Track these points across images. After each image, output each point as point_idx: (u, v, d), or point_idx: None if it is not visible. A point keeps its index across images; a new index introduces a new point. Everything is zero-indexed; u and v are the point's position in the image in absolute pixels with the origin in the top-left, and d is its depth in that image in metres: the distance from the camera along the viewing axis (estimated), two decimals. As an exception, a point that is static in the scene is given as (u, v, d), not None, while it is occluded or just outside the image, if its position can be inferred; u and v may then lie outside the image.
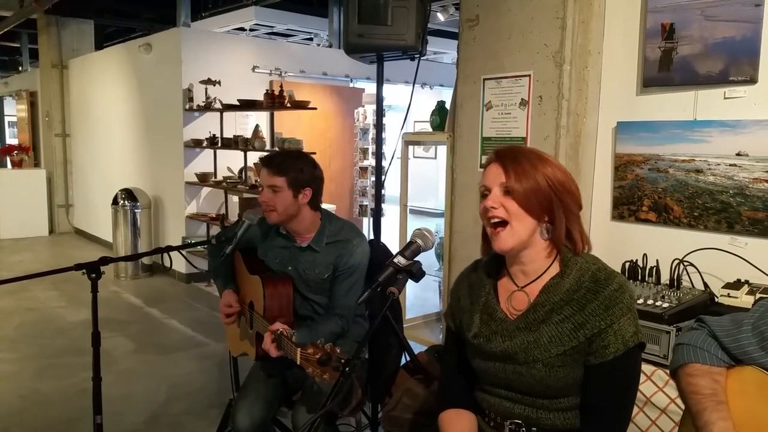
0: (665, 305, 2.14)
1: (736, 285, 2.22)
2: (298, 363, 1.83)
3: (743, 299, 2.12)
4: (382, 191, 3.52)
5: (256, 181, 6.05)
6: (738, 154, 2.34)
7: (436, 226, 4.05)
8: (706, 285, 2.38)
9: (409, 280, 1.64)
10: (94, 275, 2.25)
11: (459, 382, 1.70)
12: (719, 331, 1.45)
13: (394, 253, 1.72)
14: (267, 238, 2.55)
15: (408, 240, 1.69)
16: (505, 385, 1.57)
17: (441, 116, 3.54)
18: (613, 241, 2.73)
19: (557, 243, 1.52)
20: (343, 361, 1.56)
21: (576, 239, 1.54)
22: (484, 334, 1.58)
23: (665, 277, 2.41)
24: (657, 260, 2.46)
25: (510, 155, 1.51)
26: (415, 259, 1.63)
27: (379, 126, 3.37)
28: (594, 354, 1.46)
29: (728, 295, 2.15)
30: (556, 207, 1.49)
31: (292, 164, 2.38)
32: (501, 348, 1.54)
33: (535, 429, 1.55)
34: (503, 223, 1.49)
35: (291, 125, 7.09)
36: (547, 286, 1.53)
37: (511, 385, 1.56)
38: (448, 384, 1.74)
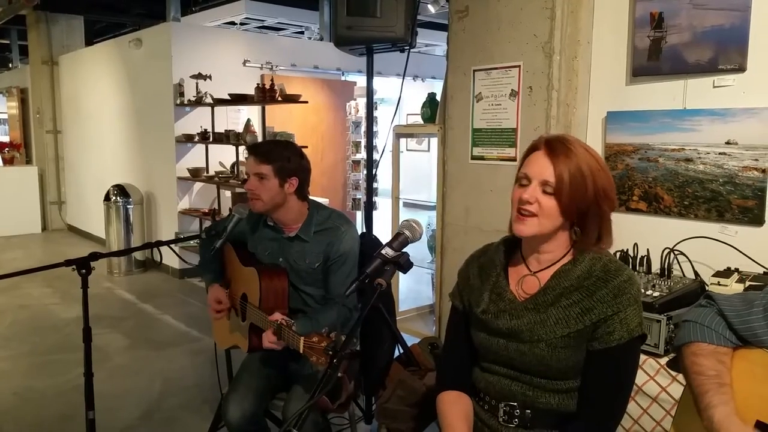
0: (656, 294, 2.15)
1: (726, 273, 2.23)
2: (302, 352, 1.82)
3: (733, 287, 2.13)
4: (376, 184, 3.52)
5: (248, 175, 6.03)
6: (727, 143, 2.35)
7: (429, 218, 4.06)
8: (696, 273, 2.38)
9: (398, 272, 1.64)
10: (84, 271, 2.24)
11: (460, 363, 1.71)
12: (728, 310, 1.44)
13: (385, 245, 1.73)
14: (256, 231, 2.54)
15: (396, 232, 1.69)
16: (506, 362, 1.59)
17: (432, 108, 3.53)
18: (604, 231, 2.73)
19: (586, 246, 1.53)
20: (331, 352, 1.56)
21: (605, 242, 1.54)
22: (492, 311, 1.60)
23: (656, 266, 2.42)
24: (648, 249, 2.46)
25: (564, 152, 1.47)
26: (403, 250, 1.63)
27: (369, 119, 3.36)
28: (598, 339, 1.48)
29: (718, 284, 2.16)
30: (591, 214, 1.49)
31: (279, 153, 2.37)
32: (508, 326, 1.56)
33: (529, 411, 1.56)
34: (532, 214, 1.49)
35: (283, 119, 7.07)
36: (558, 272, 1.55)
37: (512, 363, 1.57)
38: (449, 365, 1.75)
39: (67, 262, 2.23)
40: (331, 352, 1.52)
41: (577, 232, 1.52)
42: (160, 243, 2.52)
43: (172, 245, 2.61)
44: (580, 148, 1.49)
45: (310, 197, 2.52)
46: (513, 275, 1.63)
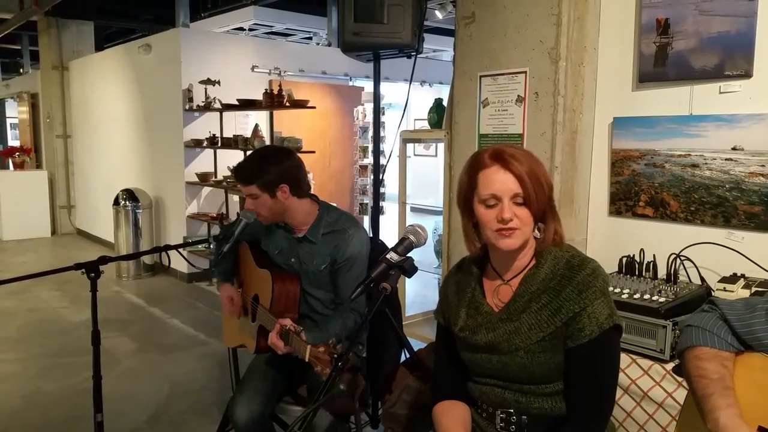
0: (662, 300, 2.14)
1: (732, 279, 2.22)
2: (307, 360, 1.83)
3: (739, 293, 2.12)
4: (383, 189, 3.53)
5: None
6: (734, 149, 2.35)
7: (435, 223, 4.07)
8: (702, 279, 2.38)
9: (404, 276, 1.66)
10: (93, 274, 2.27)
11: (451, 375, 1.74)
12: (731, 314, 1.43)
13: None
14: (269, 231, 2.55)
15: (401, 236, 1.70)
16: (493, 374, 1.61)
17: (438, 114, 3.54)
18: (610, 236, 2.74)
19: (546, 243, 1.57)
20: (335, 356, 1.57)
21: (561, 234, 1.60)
22: (470, 327, 1.63)
23: (662, 272, 2.42)
24: (654, 255, 2.46)
25: (515, 160, 1.50)
26: (408, 255, 1.64)
27: (376, 124, 3.38)
28: (571, 337, 1.50)
29: (724, 289, 2.15)
30: (548, 209, 1.56)
31: (255, 170, 2.34)
32: (485, 339, 1.58)
33: (525, 417, 1.58)
34: (514, 228, 1.51)
35: (290, 124, 7.10)
36: (525, 278, 1.58)
37: (499, 375, 1.60)
38: (440, 377, 1.78)
39: (77, 266, 2.26)
40: (335, 356, 1.53)
41: (540, 228, 1.56)
42: (168, 247, 2.54)
43: (181, 249, 2.63)
44: (518, 151, 1.54)
45: (322, 200, 2.52)
46: (488, 287, 1.66)
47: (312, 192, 2.54)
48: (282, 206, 2.37)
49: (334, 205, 2.64)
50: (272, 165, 2.34)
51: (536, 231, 1.56)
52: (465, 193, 1.58)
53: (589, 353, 1.49)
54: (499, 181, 1.50)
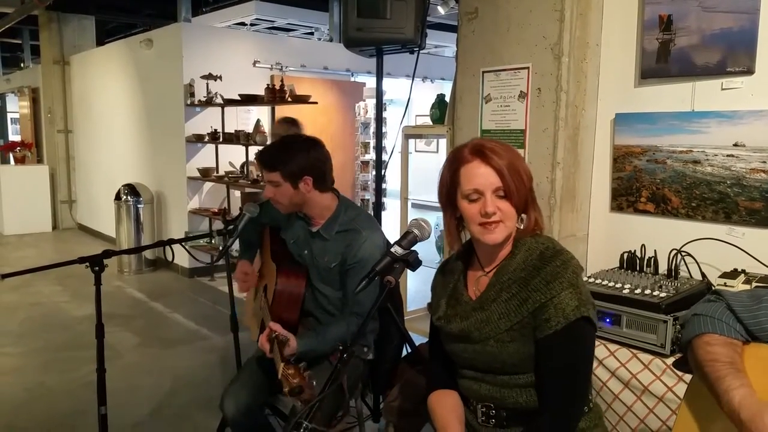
0: (663, 295, 2.15)
1: (733, 274, 2.23)
2: (279, 377, 1.79)
3: (740, 288, 2.13)
4: (384, 185, 3.53)
5: (257, 175, 6.08)
6: (735, 145, 2.35)
7: (437, 218, 4.08)
8: (703, 275, 2.39)
9: (408, 272, 1.67)
10: (97, 268, 2.28)
11: (443, 365, 1.76)
12: (737, 305, 1.43)
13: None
14: (290, 218, 2.47)
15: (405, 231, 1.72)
16: (470, 365, 1.64)
17: (441, 109, 3.55)
18: (612, 232, 2.75)
19: (526, 232, 1.60)
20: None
21: (540, 224, 1.63)
22: (447, 316, 1.66)
23: (663, 267, 2.43)
24: (655, 250, 2.47)
25: (494, 154, 1.54)
26: (412, 248, 1.65)
27: (379, 119, 3.39)
28: (539, 328, 1.51)
29: (725, 285, 2.16)
30: (529, 199, 1.59)
31: (282, 157, 2.25)
32: (459, 328, 1.62)
33: (504, 411, 1.61)
34: (498, 222, 1.55)
35: (292, 120, 7.10)
36: (499, 268, 1.61)
37: (474, 365, 1.63)
38: (434, 369, 1.81)
39: (81, 260, 2.27)
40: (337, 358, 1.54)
41: (523, 219, 1.58)
42: (173, 241, 2.55)
43: (185, 243, 2.64)
44: (498, 145, 1.57)
45: (343, 197, 2.45)
46: (471, 278, 1.69)
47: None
48: (302, 198, 2.29)
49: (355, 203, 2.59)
50: (299, 154, 2.25)
51: (519, 221, 1.59)
52: (447, 189, 1.61)
53: (556, 344, 1.49)
54: (481, 175, 1.53)
